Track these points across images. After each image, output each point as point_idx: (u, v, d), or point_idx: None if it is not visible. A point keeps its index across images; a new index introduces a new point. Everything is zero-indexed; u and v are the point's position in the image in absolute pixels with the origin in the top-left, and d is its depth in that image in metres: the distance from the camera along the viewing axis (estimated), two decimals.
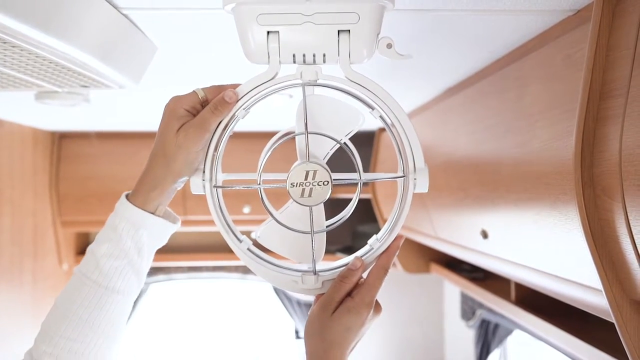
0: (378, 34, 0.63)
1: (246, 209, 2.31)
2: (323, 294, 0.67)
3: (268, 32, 0.61)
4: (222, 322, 3.09)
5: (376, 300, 0.66)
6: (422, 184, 0.65)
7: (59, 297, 0.65)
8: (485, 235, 1.18)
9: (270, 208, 0.68)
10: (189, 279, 2.79)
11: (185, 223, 2.30)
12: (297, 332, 2.95)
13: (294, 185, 0.62)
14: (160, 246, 0.68)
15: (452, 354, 2.77)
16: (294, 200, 0.62)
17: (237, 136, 2.36)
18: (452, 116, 1.37)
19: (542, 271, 0.99)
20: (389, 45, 0.64)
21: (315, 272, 0.67)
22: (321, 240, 0.68)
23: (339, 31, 0.61)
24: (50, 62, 0.79)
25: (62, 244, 2.30)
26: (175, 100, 0.63)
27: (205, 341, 3.09)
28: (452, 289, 2.65)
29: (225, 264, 2.67)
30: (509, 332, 2.02)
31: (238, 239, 0.68)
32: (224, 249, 2.72)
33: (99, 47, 0.77)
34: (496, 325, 2.07)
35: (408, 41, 0.96)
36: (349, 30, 0.61)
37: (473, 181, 1.21)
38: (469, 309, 2.26)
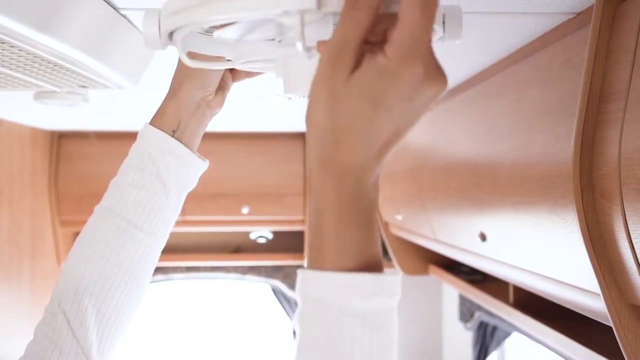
0: None
1: (244, 210, 2.31)
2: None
3: None
4: (220, 322, 3.09)
5: (434, 59, 0.38)
6: (453, 30, 0.47)
7: (79, 238, 0.61)
8: (483, 237, 1.18)
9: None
10: (187, 279, 2.79)
11: (183, 224, 2.31)
12: (294, 333, 2.94)
13: None
14: (189, 188, 0.64)
15: (450, 356, 2.77)
16: None
17: (237, 137, 2.37)
18: (451, 118, 1.37)
19: (540, 274, 0.99)
20: None
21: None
22: None
23: None
24: (49, 62, 0.79)
25: (61, 244, 2.30)
26: None
27: (204, 341, 3.09)
28: (451, 290, 2.65)
29: (223, 264, 2.66)
30: (507, 334, 2.02)
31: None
32: (222, 250, 2.72)
33: (97, 47, 0.77)
34: (494, 328, 2.07)
35: None
36: None
37: (472, 183, 1.21)
38: (467, 311, 2.26)
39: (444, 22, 0.46)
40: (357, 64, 0.37)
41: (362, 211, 0.39)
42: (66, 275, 0.59)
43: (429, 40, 0.37)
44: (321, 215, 0.39)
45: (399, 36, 0.35)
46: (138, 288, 0.61)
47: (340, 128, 0.37)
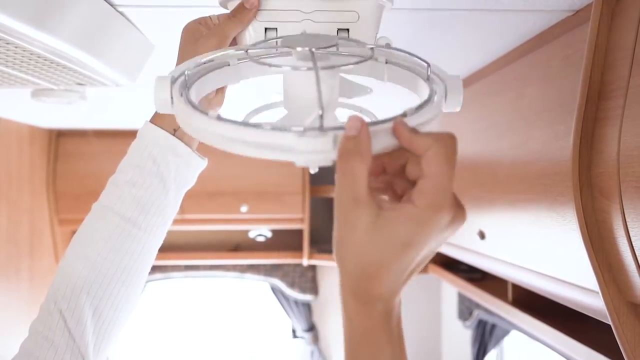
0: (377, 33, 0.63)
1: (243, 208, 2.31)
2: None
3: (266, 29, 0.60)
4: (219, 321, 3.09)
5: (457, 201, 0.41)
6: (454, 101, 0.49)
7: (76, 236, 0.60)
8: (482, 235, 1.18)
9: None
10: (186, 278, 2.79)
11: (182, 222, 2.31)
12: (294, 332, 2.94)
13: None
14: (188, 186, 0.64)
15: (449, 354, 2.77)
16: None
17: None
18: (450, 116, 1.37)
19: (539, 272, 0.98)
20: (387, 45, 0.64)
21: (322, 127, 0.41)
22: (333, 80, 0.50)
23: (338, 29, 0.60)
24: (45, 60, 0.79)
25: (60, 243, 2.29)
26: (192, 21, 0.62)
27: (203, 340, 3.09)
28: (450, 289, 2.65)
29: (222, 262, 2.66)
30: (506, 332, 2.02)
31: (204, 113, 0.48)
32: (221, 248, 2.71)
33: (94, 44, 0.76)
34: (493, 326, 2.06)
35: (406, 40, 0.95)
36: (348, 29, 0.60)
37: (471, 181, 1.21)
38: (466, 309, 2.26)
39: (445, 95, 0.49)
40: (377, 205, 0.40)
41: (391, 328, 0.42)
42: (63, 274, 0.58)
43: (452, 187, 0.40)
44: (358, 343, 0.42)
45: (427, 188, 0.39)
46: (135, 286, 0.61)
47: (373, 265, 0.40)
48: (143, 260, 0.61)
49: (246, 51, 0.55)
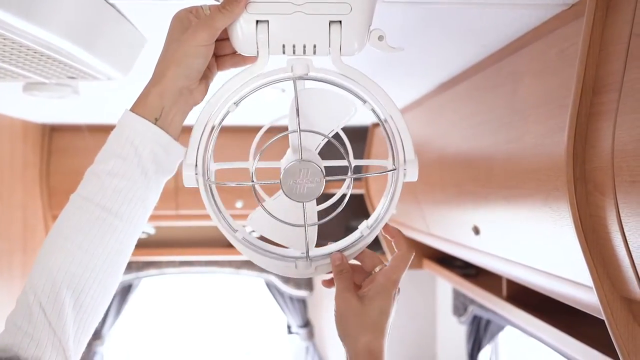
0: (370, 26, 0.62)
1: (239, 204, 2.30)
2: (331, 280, 0.70)
3: (257, 22, 0.60)
4: (215, 316, 3.09)
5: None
6: (411, 174, 0.66)
7: (54, 227, 0.59)
8: (477, 231, 1.17)
9: (263, 195, 0.69)
10: (181, 274, 2.78)
11: (177, 217, 2.30)
12: (289, 327, 2.94)
13: (287, 183, 0.62)
14: (169, 175, 0.64)
15: (444, 349, 2.77)
16: (288, 196, 0.62)
17: (230, 130, 2.35)
18: (445, 111, 1.36)
19: (533, 268, 0.98)
20: (381, 38, 0.63)
21: (308, 258, 0.69)
22: (313, 231, 0.69)
23: (330, 22, 0.60)
24: (35, 52, 0.78)
25: None
26: (182, 10, 0.62)
27: (198, 336, 3.08)
28: (445, 285, 2.65)
29: (217, 258, 2.66)
30: (501, 328, 2.03)
31: (233, 229, 0.70)
32: (216, 244, 2.71)
33: (84, 36, 0.75)
34: (488, 322, 2.07)
35: (400, 34, 0.95)
36: (341, 21, 0.60)
37: (466, 177, 1.21)
38: (460, 305, 2.26)
39: (405, 169, 0.66)
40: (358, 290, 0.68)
41: None
42: (42, 267, 0.57)
43: (404, 270, 0.68)
44: None
45: (390, 270, 0.68)
46: (115, 276, 0.60)
47: (371, 330, 0.64)
48: (123, 251, 0.60)
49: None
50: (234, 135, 2.36)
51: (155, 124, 0.60)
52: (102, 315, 0.61)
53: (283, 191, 0.62)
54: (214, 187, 0.67)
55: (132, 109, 0.60)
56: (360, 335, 0.63)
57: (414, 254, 0.69)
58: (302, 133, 0.62)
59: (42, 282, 0.56)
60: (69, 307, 0.56)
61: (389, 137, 0.65)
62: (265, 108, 1.79)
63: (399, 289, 0.68)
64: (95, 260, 0.57)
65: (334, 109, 0.65)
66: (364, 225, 0.71)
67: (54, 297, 0.56)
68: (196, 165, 0.64)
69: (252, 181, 0.65)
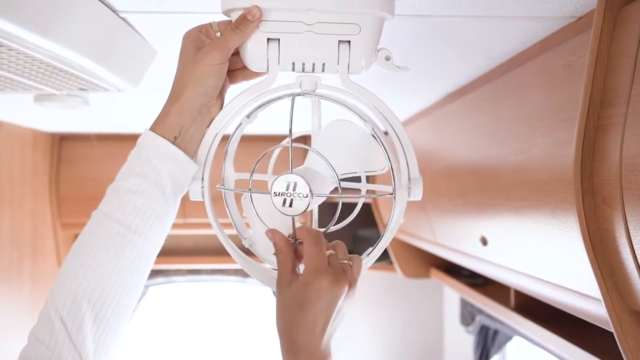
0: (377, 45, 0.63)
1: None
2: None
3: (268, 39, 0.61)
4: (221, 325, 3.09)
5: (334, 270, 0.59)
6: (416, 193, 0.66)
7: (75, 244, 0.61)
8: (484, 241, 1.17)
9: (257, 209, 0.69)
10: (188, 282, 2.79)
11: (184, 226, 2.31)
12: None
13: (276, 195, 0.62)
14: (184, 192, 0.65)
15: (451, 359, 2.76)
16: (277, 209, 0.63)
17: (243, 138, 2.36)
18: (452, 122, 1.37)
19: (541, 279, 0.98)
20: (387, 58, 0.64)
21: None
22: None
23: (339, 41, 0.61)
24: (48, 66, 0.79)
25: (62, 246, 2.30)
26: (193, 29, 0.63)
27: (204, 344, 3.08)
28: (452, 294, 2.64)
29: (224, 267, 2.66)
30: (509, 338, 2.01)
31: (242, 237, 0.72)
32: (223, 252, 2.70)
33: (96, 50, 0.77)
34: (495, 332, 2.06)
35: (407, 47, 0.95)
36: (349, 41, 0.61)
37: (473, 187, 1.21)
38: (468, 314, 2.25)
39: (409, 187, 0.65)
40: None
41: None
42: (63, 282, 0.58)
43: (325, 260, 0.60)
44: None
45: (305, 263, 0.60)
46: (134, 292, 0.61)
47: (287, 323, 0.60)
48: (143, 266, 0.61)
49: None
50: (243, 144, 2.37)
51: (174, 142, 0.61)
52: (122, 332, 0.62)
53: (272, 203, 0.63)
54: (229, 196, 0.69)
55: (152, 128, 0.62)
56: (281, 327, 0.61)
57: (320, 232, 0.62)
58: (320, 161, 0.63)
59: (63, 296, 0.58)
60: (89, 321, 0.57)
61: (388, 157, 0.64)
62: (276, 118, 1.80)
63: (343, 274, 0.59)
64: (115, 276, 0.59)
65: (362, 155, 0.67)
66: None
67: (74, 312, 0.57)
68: (202, 178, 0.65)
69: (249, 189, 0.67)
